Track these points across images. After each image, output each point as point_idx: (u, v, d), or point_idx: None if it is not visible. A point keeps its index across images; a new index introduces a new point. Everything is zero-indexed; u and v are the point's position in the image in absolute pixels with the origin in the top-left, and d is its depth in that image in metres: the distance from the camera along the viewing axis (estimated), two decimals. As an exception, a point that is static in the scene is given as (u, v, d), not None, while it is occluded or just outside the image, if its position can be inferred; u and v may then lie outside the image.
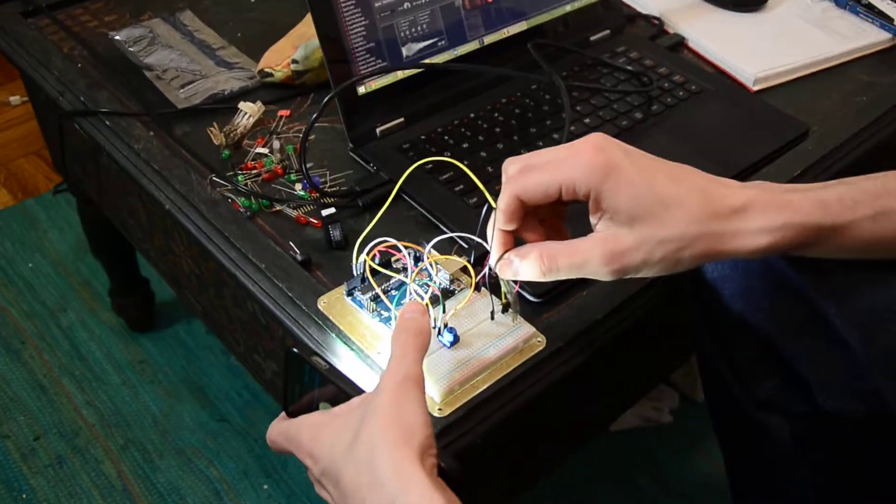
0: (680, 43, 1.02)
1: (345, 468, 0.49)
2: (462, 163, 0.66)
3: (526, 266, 0.57)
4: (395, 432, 0.49)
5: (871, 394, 0.58)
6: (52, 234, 1.60)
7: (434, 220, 0.76)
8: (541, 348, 0.64)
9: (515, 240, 0.59)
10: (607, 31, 1.00)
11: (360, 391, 0.55)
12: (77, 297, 1.48)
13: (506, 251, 0.59)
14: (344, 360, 0.63)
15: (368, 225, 0.68)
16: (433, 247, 0.63)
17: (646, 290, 0.70)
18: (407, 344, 0.54)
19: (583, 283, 0.70)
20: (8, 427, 1.28)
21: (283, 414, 0.58)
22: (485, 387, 0.61)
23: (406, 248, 0.64)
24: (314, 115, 0.77)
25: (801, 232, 0.55)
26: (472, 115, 0.88)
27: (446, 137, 0.85)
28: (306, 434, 0.53)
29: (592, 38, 0.99)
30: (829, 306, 0.58)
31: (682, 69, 0.95)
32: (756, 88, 0.94)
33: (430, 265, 0.65)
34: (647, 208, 0.54)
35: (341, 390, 0.55)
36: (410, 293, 0.62)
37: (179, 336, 1.41)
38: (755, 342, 0.63)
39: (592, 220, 0.56)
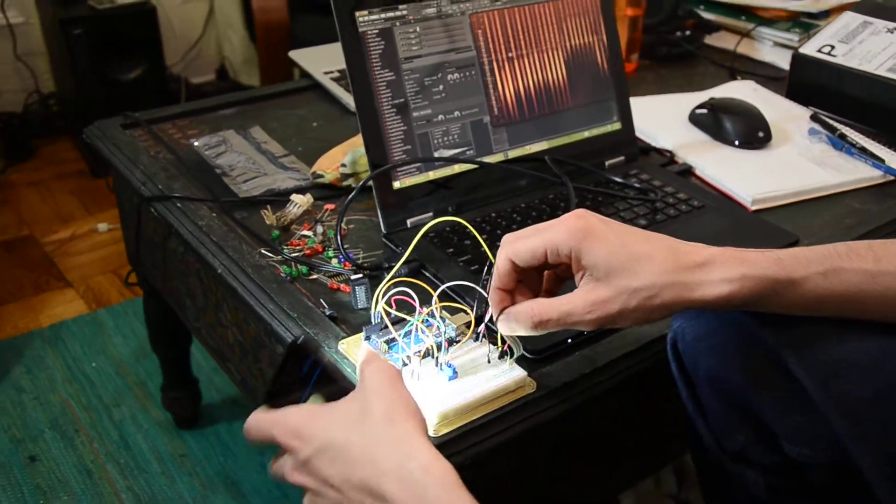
0: (688, 171, 1.12)
1: (352, 438, 0.54)
2: (481, 237, 0.74)
3: (520, 318, 0.65)
4: (401, 409, 0.55)
5: (834, 442, 0.62)
6: (116, 339, 1.72)
7: (452, 294, 0.85)
8: (531, 391, 0.70)
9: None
10: (622, 158, 1.11)
11: (350, 384, 0.62)
12: (132, 394, 1.57)
13: (504, 308, 0.67)
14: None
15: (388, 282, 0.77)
16: (443, 304, 0.72)
17: (635, 353, 0.76)
18: (375, 358, 0.61)
19: (576, 346, 0.77)
20: (52, 505, 1.35)
21: (263, 407, 0.63)
22: (477, 416, 0.68)
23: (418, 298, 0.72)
24: (354, 190, 0.89)
25: (759, 283, 0.62)
26: (492, 215, 0.98)
27: (468, 231, 0.95)
28: (296, 417, 0.59)
29: (608, 163, 1.10)
30: (789, 357, 0.63)
31: (688, 189, 1.05)
32: (754, 208, 1.03)
33: (440, 318, 0.73)
34: (622, 262, 0.61)
35: (339, 385, 0.61)
36: (417, 331, 0.70)
37: (220, 434, 1.48)
38: (726, 396, 0.68)
39: (576, 278, 0.64)
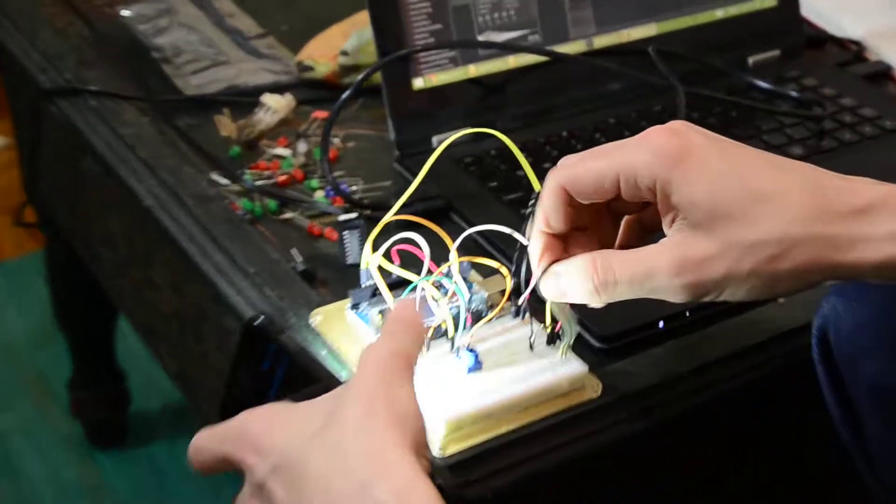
0: (883, 73, 1.11)
1: (311, 455, 0.56)
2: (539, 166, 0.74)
3: (574, 278, 0.65)
4: (383, 415, 0.56)
5: None
6: (7, 312, 1.77)
7: (491, 248, 0.86)
8: (593, 396, 0.71)
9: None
10: (776, 52, 1.10)
11: (338, 383, 0.63)
12: (25, 393, 1.62)
13: (551, 262, 0.67)
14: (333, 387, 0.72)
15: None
16: (468, 258, 0.73)
17: (759, 349, 0.77)
18: (398, 323, 0.62)
19: (669, 332, 0.77)
20: None
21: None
22: (506, 429, 0.68)
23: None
24: (352, 87, 0.90)
25: None
26: (564, 134, 0.98)
27: (525, 156, 0.95)
28: (255, 425, 0.61)
29: (752, 59, 1.09)
30: None
31: (879, 102, 1.04)
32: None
33: (461, 280, 0.74)
34: (733, 202, 0.61)
35: (315, 381, 0.63)
36: (422, 292, 0.71)
37: (154, 459, 1.52)
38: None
39: (664, 224, 0.64)
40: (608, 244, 0.69)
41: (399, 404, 0.58)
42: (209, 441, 0.63)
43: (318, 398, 0.61)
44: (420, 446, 0.57)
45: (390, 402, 0.57)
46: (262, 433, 0.60)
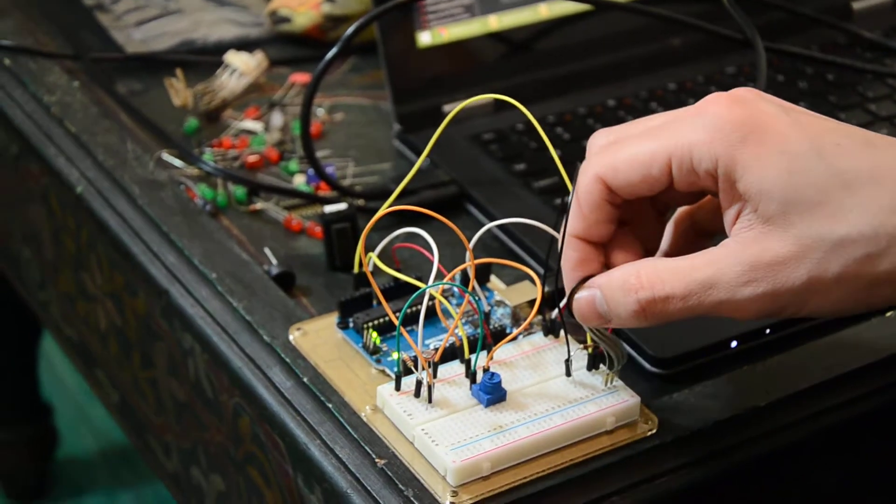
0: None
1: None
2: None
3: (613, 292, 0.66)
4: None
5: None
6: None
7: (517, 247, 0.88)
8: (649, 432, 0.72)
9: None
10: (888, -3, 1.12)
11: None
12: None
13: (587, 277, 0.68)
14: (321, 424, 0.74)
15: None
16: (486, 261, 0.75)
17: (862, 374, 0.77)
18: None
19: (744, 354, 0.79)
20: None
21: None
22: (535, 474, 0.70)
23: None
24: (339, 43, 0.91)
25: None
26: (610, 103, 1.00)
27: (560, 130, 0.97)
28: None
29: (857, 6, 1.11)
30: None
31: None
32: None
33: (478, 289, 0.76)
34: (816, 188, 0.62)
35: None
36: (429, 302, 0.72)
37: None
38: None
39: (726, 220, 0.65)
40: (653, 248, 0.71)
41: None
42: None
43: None
44: None
45: None
46: None
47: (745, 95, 0.64)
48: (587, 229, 0.67)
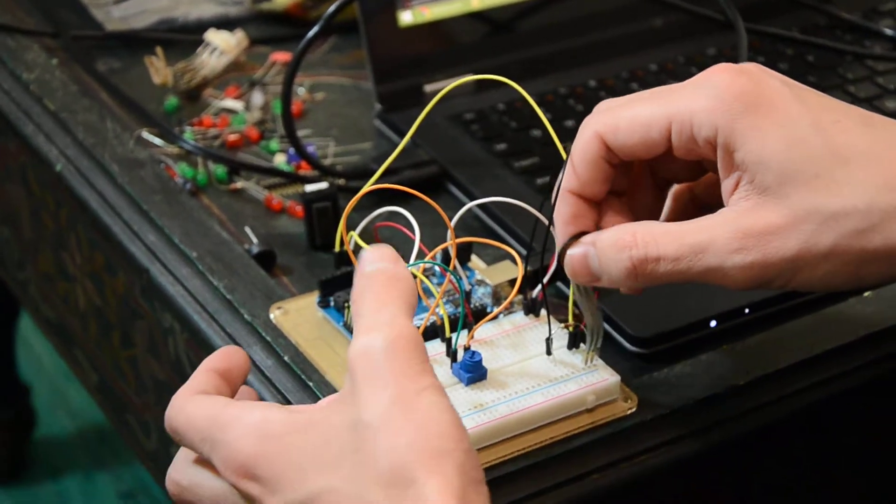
0: None
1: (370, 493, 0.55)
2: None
3: (606, 250, 0.66)
4: (423, 445, 0.53)
5: None
6: None
7: (497, 227, 0.89)
8: (629, 411, 0.73)
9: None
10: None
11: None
12: None
13: (579, 233, 0.69)
14: (302, 403, 0.74)
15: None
16: (467, 240, 0.75)
17: (838, 354, 0.78)
18: (382, 292, 0.60)
19: (723, 333, 0.79)
20: None
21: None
22: (515, 452, 0.70)
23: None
24: (320, 22, 0.91)
25: None
26: (591, 84, 1.00)
27: (542, 110, 0.97)
28: (245, 442, 0.58)
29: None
30: None
31: None
32: None
33: (459, 267, 0.76)
34: (813, 162, 0.63)
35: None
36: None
37: (65, 496, 1.53)
38: None
39: (724, 189, 0.66)
40: (650, 215, 0.71)
41: (439, 426, 0.53)
42: (197, 419, 0.62)
43: (322, 412, 0.59)
44: (471, 471, 0.55)
45: (425, 427, 0.53)
46: (258, 453, 0.59)
47: (751, 69, 0.65)
48: (582, 185, 0.68)
